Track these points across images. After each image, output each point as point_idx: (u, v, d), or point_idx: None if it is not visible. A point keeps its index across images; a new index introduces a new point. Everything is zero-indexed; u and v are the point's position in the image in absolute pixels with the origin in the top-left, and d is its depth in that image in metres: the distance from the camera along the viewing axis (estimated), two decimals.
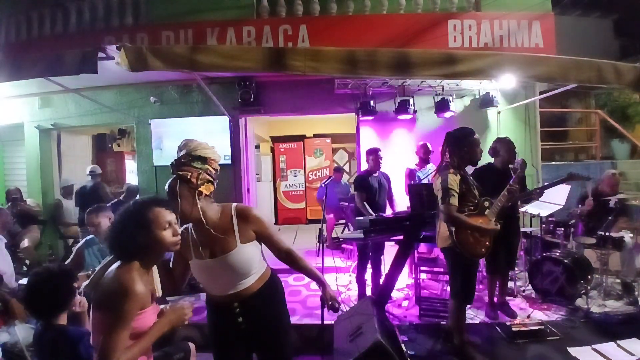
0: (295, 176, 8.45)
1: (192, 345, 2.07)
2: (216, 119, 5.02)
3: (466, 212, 2.44)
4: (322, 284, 1.71)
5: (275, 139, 8.83)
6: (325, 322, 2.23)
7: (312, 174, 8.47)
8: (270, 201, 8.28)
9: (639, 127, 8.56)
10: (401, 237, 3.11)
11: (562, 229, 3.96)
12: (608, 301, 3.53)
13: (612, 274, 3.79)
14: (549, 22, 4.82)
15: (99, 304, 1.23)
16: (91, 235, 2.80)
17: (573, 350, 2.62)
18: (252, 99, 4.73)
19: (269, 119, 7.76)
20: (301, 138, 8.59)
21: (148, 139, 5.21)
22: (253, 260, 1.56)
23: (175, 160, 1.49)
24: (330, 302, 1.68)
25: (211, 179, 1.51)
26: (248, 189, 5.19)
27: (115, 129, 7.65)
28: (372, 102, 4.71)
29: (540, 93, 5.02)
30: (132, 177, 7.10)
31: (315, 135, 8.73)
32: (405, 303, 3.66)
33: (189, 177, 1.44)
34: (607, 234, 3.60)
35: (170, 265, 1.60)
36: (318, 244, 5.35)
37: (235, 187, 5.09)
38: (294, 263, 1.69)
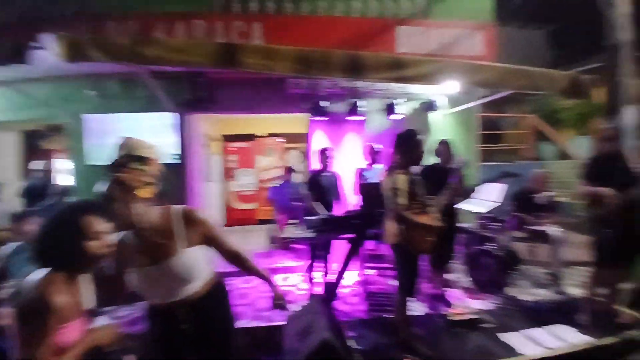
0: (246, 176, 8.27)
1: (132, 359, 1.94)
2: (162, 116, 4.75)
3: (412, 210, 2.54)
4: (270, 283, 1.69)
5: (226, 138, 8.56)
6: (275, 323, 2.21)
7: (264, 174, 8.35)
8: (219, 202, 8.02)
9: (567, 131, 9.59)
10: (351, 235, 3.18)
11: (496, 224, 4.25)
12: (536, 290, 3.87)
13: (540, 265, 4.19)
14: (491, 32, 5.20)
15: (17, 316, 1.11)
16: (21, 242, 2.52)
17: (505, 336, 2.81)
18: (201, 96, 4.55)
19: (220, 117, 7.50)
20: (253, 137, 8.41)
21: (83, 136, 4.80)
22: (198, 264, 1.49)
23: (112, 160, 1.38)
24: (278, 302, 1.67)
25: (151, 181, 1.41)
26: (196, 190, 4.98)
27: (48, 125, 6.93)
28: (324, 103, 4.76)
29: (480, 98, 5.39)
30: (64, 177, 6.48)
31: (268, 135, 8.62)
32: (353, 299, 3.75)
33: (126, 179, 1.33)
34: (535, 228, 3.97)
35: (108, 274, 1.48)
36: (269, 244, 5.29)
37: (183, 187, 4.86)
38: (242, 265, 1.65)
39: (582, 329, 2.87)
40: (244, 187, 8.27)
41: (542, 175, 4.55)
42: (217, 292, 1.61)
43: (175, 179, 4.74)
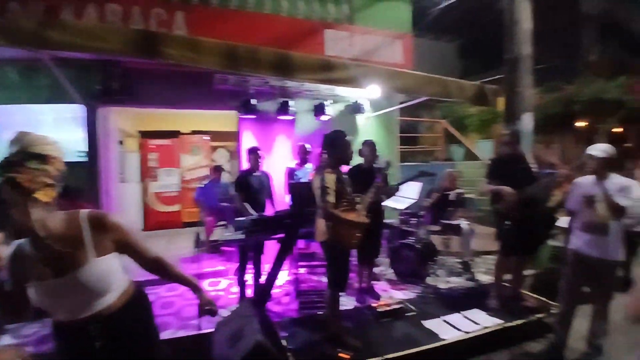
0: (168, 176, 7.70)
1: None
2: (69, 108, 4.17)
3: (341, 208, 2.63)
4: (197, 289, 1.60)
5: (145, 134, 7.85)
6: (203, 331, 2.10)
7: (188, 174, 7.87)
8: (137, 204, 7.34)
9: (474, 134, 10.84)
10: (282, 235, 3.17)
11: (415, 219, 4.61)
12: (451, 278, 4.30)
13: (453, 255, 4.66)
14: (408, 42, 5.61)
15: None
16: None
17: (427, 323, 3.06)
18: (115, 87, 4.07)
19: (137, 111, 6.85)
20: (176, 134, 7.86)
21: None
22: (112, 274, 1.35)
23: (4, 158, 1.17)
24: (207, 308, 1.58)
25: (52, 183, 1.23)
26: (109, 191, 4.48)
27: None
28: (253, 101, 4.66)
29: (400, 104, 5.80)
30: None
31: (193, 132, 8.14)
32: (285, 299, 3.75)
33: (22, 180, 1.14)
34: (448, 222, 4.40)
35: (7, 289, 1.26)
36: (196, 248, 5.02)
37: (92, 189, 4.33)
38: (164, 272, 1.53)
39: (493, 312, 3.23)
40: (167, 188, 7.69)
41: (453, 174, 5.08)
42: (135, 304, 1.46)
43: (83, 180, 4.21)
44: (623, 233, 2.56)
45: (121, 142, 7.04)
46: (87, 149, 4.25)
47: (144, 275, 1.55)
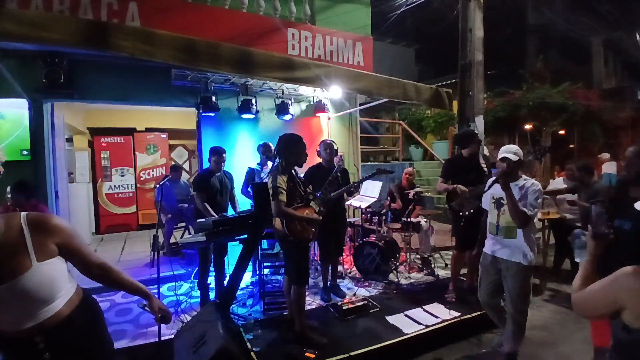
0: (122, 176, 7.26)
1: None
2: (10, 103, 3.79)
3: (294, 205, 2.72)
4: (146, 295, 1.52)
5: (96, 132, 7.37)
6: (162, 338, 2.01)
7: (144, 173, 7.47)
8: (88, 206, 6.86)
9: (430, 136, 11.30)
10: (245, 236, 3.11)
11: (376, 217, 4.74)
12: (412, 274, 4.45)
13: (413, 251, 4.82)
14: (368, 45, 5.72)
15: None
16: None
17: (390, 318, 3.15)
18: (62, 80, 3.76)
19: (86, 106, 6.43)
20: (130, 132, 7.45)
21: None
22: (57, 280, 1.27)
23: None
24: (159, 315, 1.50)
25: None
26: (56, 192, 4.13)
27: None
28: (214, 98, 4.52)
29: (360, 105, 5.91)
30: None
31: (148, 130, 7.74)
32: (249, 301, 3.69)
33: None
34: (408, 219, 4.55)
35: None
36: (152, 252, 4.79)
37: (39, 190, 3.95)
38: (110, 279, 1.45)
39: (451, 305, 3.39)
40: (121, 189, 7.26)
41: (411, 173, 5.27)
42: (84, 312, 1.38)
43: (28, 180, 3.85)
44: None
45: (70, 140, 6.55)
46: (31, 147, 3.88)
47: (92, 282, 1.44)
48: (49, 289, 1.24)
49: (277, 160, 2.78)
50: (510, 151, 2.49)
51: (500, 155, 2.54)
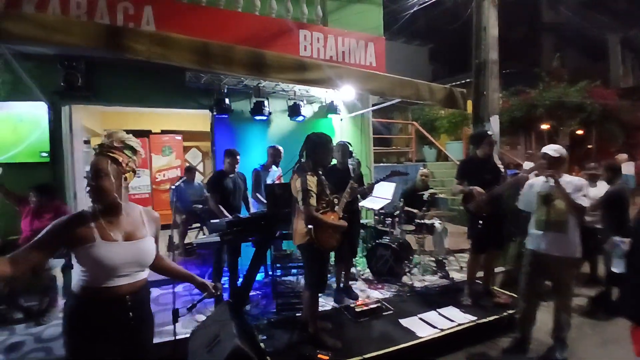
0: (138, 177, 7.39)
1: None
2: (29, 106, 3.89)
3: (321, 210, 2.63)
4: (192, 279, 1.81)
5: None
6: (178, 337, 2.03)
7: (159, 175, 7.61)
8: None
9: (444, 136, 11.15)
10: (259, 237, 3.12)
11: (390, 219, 4.69)
12: (426, 276, 4.39)
13: (427, 254, 4.76)
14: (381, 45, 5.68)
15: None
16: None
17: (404, 321, 3.11)
18: (80, 83, 3.85)
19: (104, 109, 6.54)
20: (146, 134, 7.57)
21: None
22: (152, 253, 1.57)
23: (106, 143, 1.48)
24: (212, 291, 1.79)
25: (135, 169, 1.57)
26: (75, 193, 4.22)
27: None
28: (227, 100, 4.56)
29: (373, 105, 5.87)
30: None
31: (164, 132, 7.88)
32: (262, 301, 3.70)
33: (122, 160, 1.46)
34: (422, 221, 4.49)
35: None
36: (168, 252, 4.85)
37: (58, 191, 4.04)
38: (161, 264, 1.76)
39: (466, 309, 3.33)
40: (137, 190, 7.39)
41: (426, 174, 5.20)
42: (147, 287, 1.64)
43: (47, 181, 3.94)
44: (581, 231, 2.66)
45: (87, 142, 6.70)
46: (51, 149, 3.98)
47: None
48: (149, 257, 1.55)
49: (301, 160, 2.71)
50: (551, 148, 2.63)
51: (544, 152, 2.65)
